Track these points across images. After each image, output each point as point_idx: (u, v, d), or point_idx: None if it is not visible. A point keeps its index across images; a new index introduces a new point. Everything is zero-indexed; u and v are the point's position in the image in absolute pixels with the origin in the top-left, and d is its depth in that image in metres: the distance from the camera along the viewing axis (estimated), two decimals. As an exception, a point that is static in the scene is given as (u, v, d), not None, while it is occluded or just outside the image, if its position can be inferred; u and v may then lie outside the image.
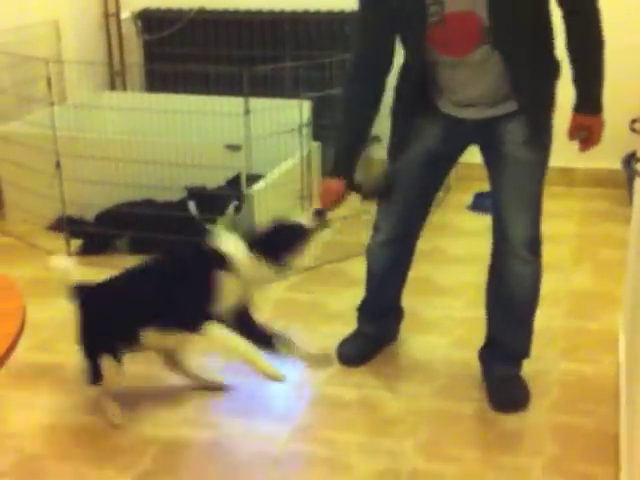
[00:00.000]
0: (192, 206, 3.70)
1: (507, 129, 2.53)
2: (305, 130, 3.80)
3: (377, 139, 4.56)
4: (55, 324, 3.23)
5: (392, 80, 2.62)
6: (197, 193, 3.71)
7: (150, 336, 2.61)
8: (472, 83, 2.47)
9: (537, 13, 2.40)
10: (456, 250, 3.89)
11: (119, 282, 2.68)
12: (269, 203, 3.72)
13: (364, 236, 3.21)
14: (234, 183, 3.71)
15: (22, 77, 4.17)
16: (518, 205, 2.58)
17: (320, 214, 2.65)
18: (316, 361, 2.85)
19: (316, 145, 4.20)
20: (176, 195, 3.75)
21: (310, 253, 2.89)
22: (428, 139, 2.63)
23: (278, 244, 2.59)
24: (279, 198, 3.72)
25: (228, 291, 2.54)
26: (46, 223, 4.09)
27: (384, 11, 2.43)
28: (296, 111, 3.72)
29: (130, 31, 5.04)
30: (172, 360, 2.82)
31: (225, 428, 2.69)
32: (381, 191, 2.68)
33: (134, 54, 5.08)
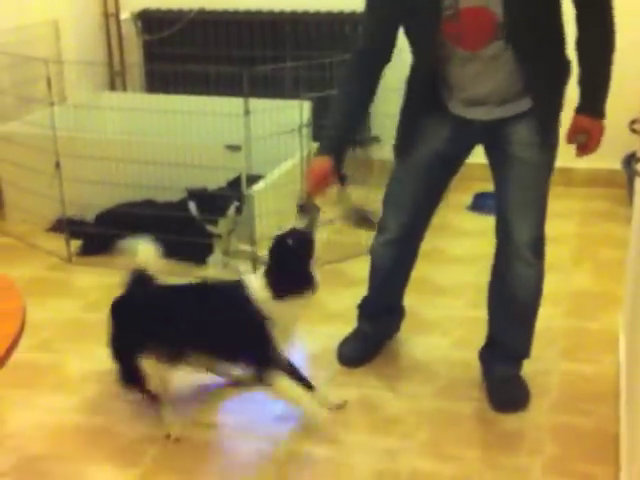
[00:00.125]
0: (192, 207, 3.70)
1: (515, 130, 2.52)
2: (305, 131, 3.79)
3: (377, 139, 4.58)
4: (55, 324, 3.22)
5: (397, 80, 2.61)
6: (197, 194, 3.71)
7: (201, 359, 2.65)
8: (482, 79, 2.46)
9: (550, 10, 2.40)
10: (456, 250, 3.89)
11: (187, 296, 2.65)
12: (269, 204, 3.72)
13: (364, 236, 3.22)
14: (235, 184, 3.70)
15: (22, 77, 4.17)
16: (523, 207, 2.57)
17: (304, 209, 2.56)
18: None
19: (316, 146, 4.19)
20: (176, 195, 3.75)
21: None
22: (436, 140, 2.63)
23: (292, 272, 2.55)
24: (279, 199, 3.71)
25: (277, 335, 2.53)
26: (46, 223, 4.09)
27: (398, 2, 2.43)
28: (296, 111, 3.71)
29: (130, 31, 5.04)
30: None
31: (225, 428, 2.69)
32: (366, 222, 2.64)
33: (134, 54, 5.08)
